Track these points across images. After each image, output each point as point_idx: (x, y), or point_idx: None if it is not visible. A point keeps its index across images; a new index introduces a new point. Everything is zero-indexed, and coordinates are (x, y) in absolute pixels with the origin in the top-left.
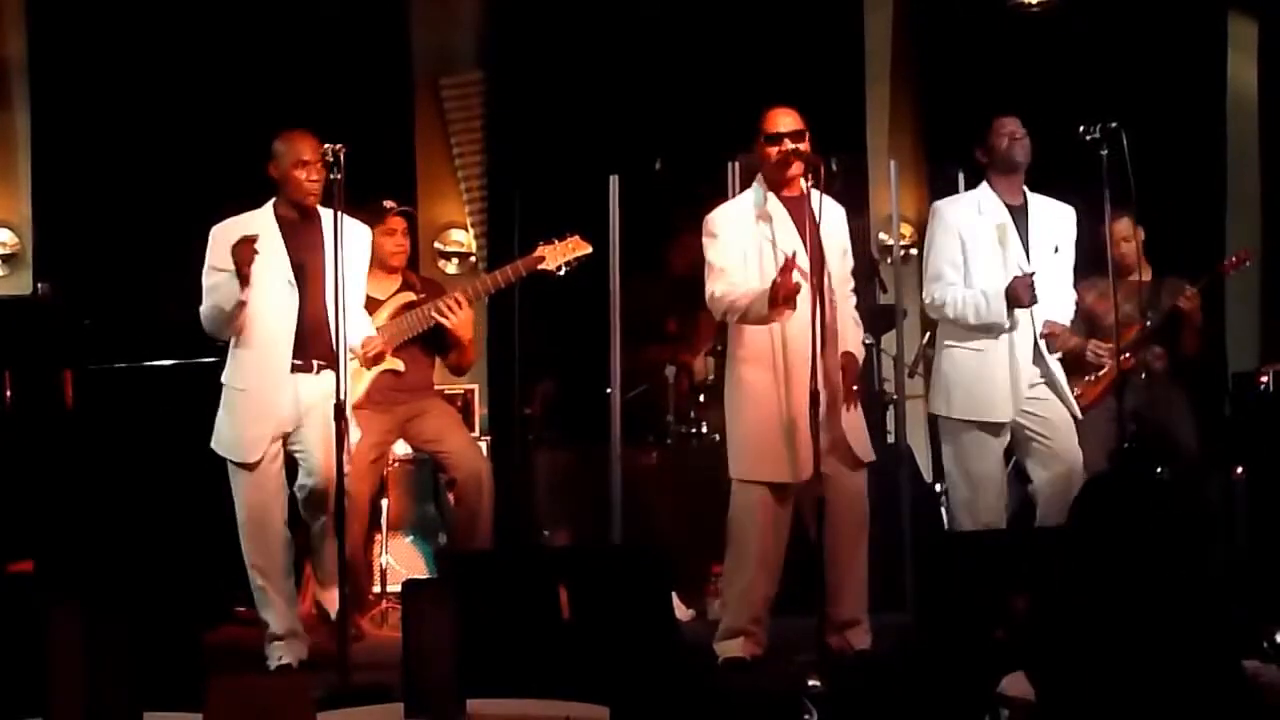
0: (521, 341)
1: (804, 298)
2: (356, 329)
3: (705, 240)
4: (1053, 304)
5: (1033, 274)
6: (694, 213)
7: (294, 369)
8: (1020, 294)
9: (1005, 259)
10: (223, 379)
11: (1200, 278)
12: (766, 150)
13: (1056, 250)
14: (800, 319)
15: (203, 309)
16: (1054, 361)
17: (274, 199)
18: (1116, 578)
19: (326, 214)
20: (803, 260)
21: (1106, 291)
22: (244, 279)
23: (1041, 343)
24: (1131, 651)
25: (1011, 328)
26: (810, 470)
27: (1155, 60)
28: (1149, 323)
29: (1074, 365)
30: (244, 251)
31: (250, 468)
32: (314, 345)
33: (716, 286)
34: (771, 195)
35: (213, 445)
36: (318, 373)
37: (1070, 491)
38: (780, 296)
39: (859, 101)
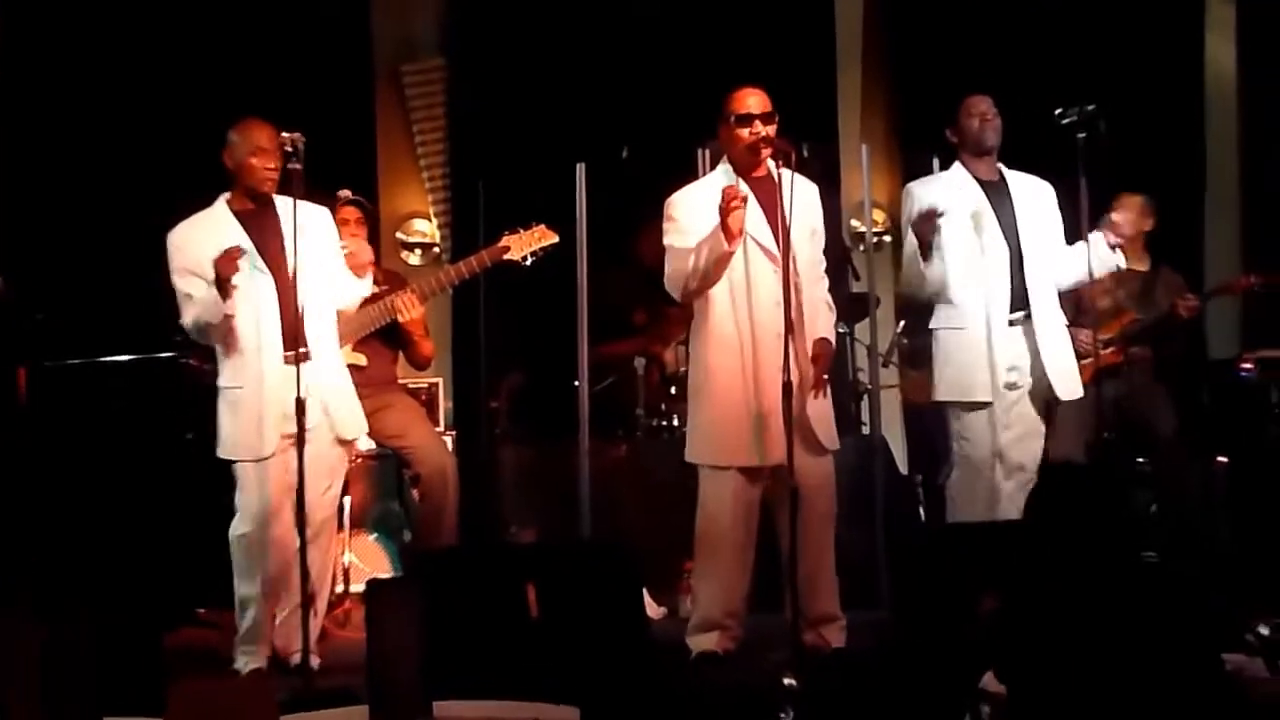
0: (487, 334)
1: (771, 280)
2: (343, 302)
3: (665, 225)
4: (1055, 270)
5: (1025, 290)
6: (662, 201)
7: (287, 360)
8: (922, 229)
9: (982, 238)
10: (218, 383)
11: (1210, 290)
12: (735, 132)
13: (1038, 223)
14: (767, 302)
15: (186, 321)
16: (1059, 342)
17: (225, 194)
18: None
19: (283, 203)
20: (768, 240)
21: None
22: (225, 292)
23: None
24: (1100, 646)
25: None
26: (780, 455)
27: (1132, 42)
28: (1140, 317)
29: None
30: (227, 266)
31: (264, 463)
32: (299, 333)
33: (670, 267)
34: (737, 177)
35: (219, 453)
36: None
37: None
38: (727, 218)
39: (830, 86)
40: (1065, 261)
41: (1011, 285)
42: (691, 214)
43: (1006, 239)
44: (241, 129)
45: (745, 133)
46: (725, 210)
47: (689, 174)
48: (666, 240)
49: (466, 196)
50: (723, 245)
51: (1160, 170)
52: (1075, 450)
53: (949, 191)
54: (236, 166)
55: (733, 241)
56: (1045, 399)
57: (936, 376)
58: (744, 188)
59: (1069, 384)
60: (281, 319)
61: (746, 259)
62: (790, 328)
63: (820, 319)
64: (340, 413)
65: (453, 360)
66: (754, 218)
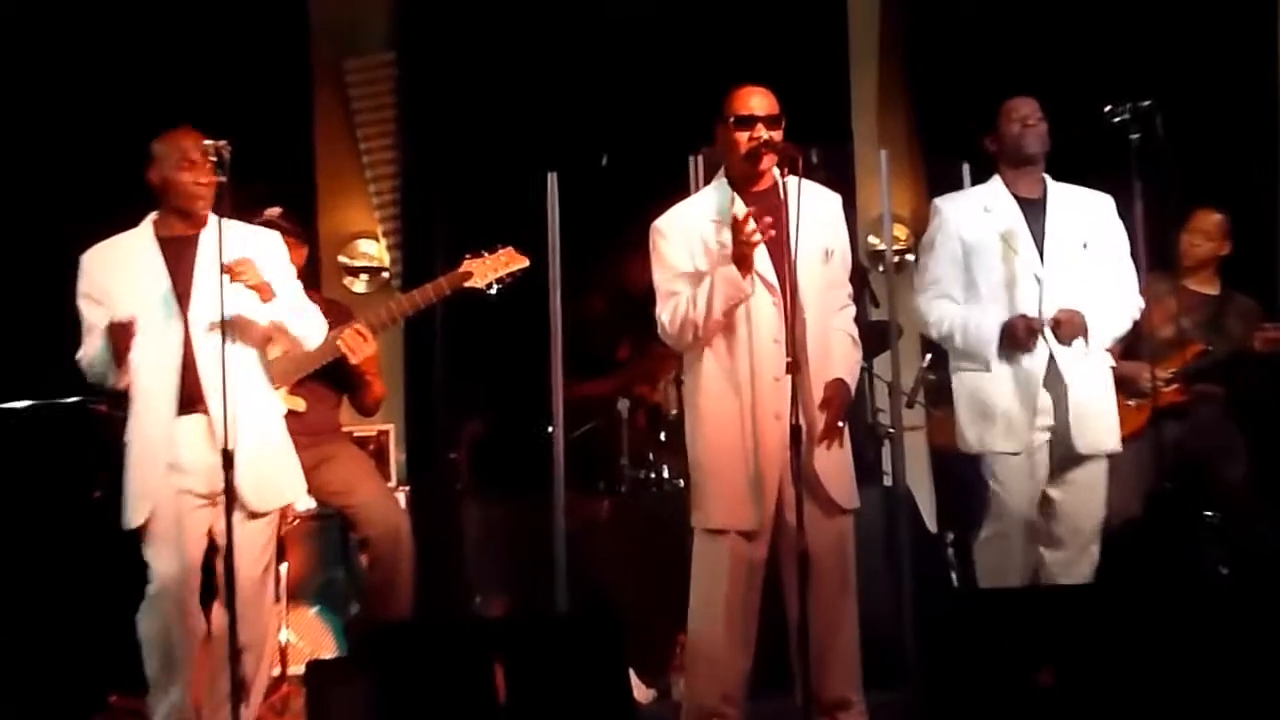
0: (445, 373)
1: (770, 311)
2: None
3: (652, 255)
4: (1086, 309)
5: (1041, 322)
6: (649, 217)
7: (182, 411)
8: (1019, 336)
9: (1017, 268)
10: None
11: None
12: (734, 136)
13: (1086, 246)
14: (766, 337)
15: (81, 355)
16: (1089, 386)
17: (153, 214)
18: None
19: (228, 225)
20: (765, 266)
21: (1159, 298)
22: (120, 360)
23: (1054, 345)
24: None
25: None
26: (784, 514)
27: (1194, 28)
28: (1209, 348)
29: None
30: (122, 338)
31: (176, 529)
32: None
33: (666, 312)
34: (733, 192)
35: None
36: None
37: (1085, 552)
38: (742, 251)
39: (842, 82)
40: (1119, 289)
41: (1042, 318)
42: (682, 242)
43: (1036, 274)
44: (168, 140)
45: (745, 137)
46: (742, 246)
47: (680, 186)
48: (655, 275)
49: (421, 213)
50: (742, 291)
51: (1228, 180)
52: (1130, 504)
53: (980, 210)
54: (163, 183)
55: (750, 284)
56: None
57: (960, 424)
58: (739, 207)
59: (1095, 435)
60: (184, 370)
61: (753, 288)
62: (796, 366)
63: (837, 356)
64: (250, 480)
65: (406, 404)
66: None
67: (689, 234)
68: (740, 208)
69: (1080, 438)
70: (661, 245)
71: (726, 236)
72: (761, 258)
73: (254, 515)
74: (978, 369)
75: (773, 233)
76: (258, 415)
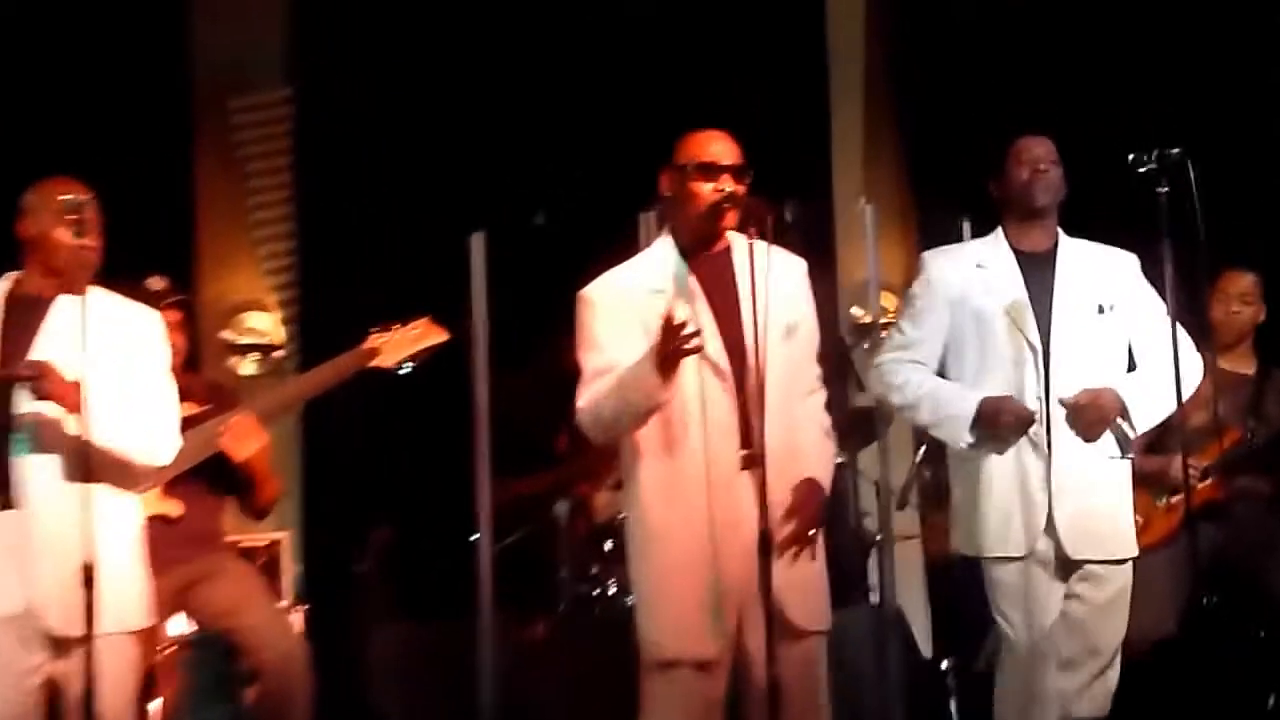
0: (349, 469)
1: (723, 400)
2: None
3: (578, 330)
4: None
5: (1035, 409)
6: (586, 284)
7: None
8: (993, 417)
9: (1014, 335)
10: None
11: None
12: (692, 187)
13: (1103, 310)
14: (720, 431)
15: None
16: (1102, 480)
17: (15, 273)
18: None
19: (99, 296)
20: (716, 350)
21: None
22: None
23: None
24: None
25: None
26: (749, 639)
27: (1231, 63)
28: (1249, 436)
29: (1143, 480)
30: None
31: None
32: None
33: (584, 400)
34: (680, 259)
35: None
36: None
37: (1101, 678)
38: (668, 349)
39: (820, 123)
40: (1153, 362)
41: (1044, 399)
42: (613, 315)
43: (1039, 334)
44: (41, 190)
45: (708, 189)
46: (666, 349)
47: (628, 248)
48: (579, 354)
49: (321, 279)
50: (659, 397)
51: (1267, 240)
52: (1163, 622)
53: (972, 266)
54: (36, 240)
55: (670, 388)
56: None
57: (953, 520)
58: (690, 282)
59: (1108, 540)
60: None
61: (700, 373)
62: (753, 461)
63: (806, 451)
64: (55, 599)
65: (303, 507)
66: (701, 315)
67: (623, 306)
68: (689, 276)
69: (1091, 543)
70: (588, 318)
71: (664, 304)
72: (711, 336)
73: (58, 643)
74: (970, 453)
75: (696, 341)
76: (75, 518)
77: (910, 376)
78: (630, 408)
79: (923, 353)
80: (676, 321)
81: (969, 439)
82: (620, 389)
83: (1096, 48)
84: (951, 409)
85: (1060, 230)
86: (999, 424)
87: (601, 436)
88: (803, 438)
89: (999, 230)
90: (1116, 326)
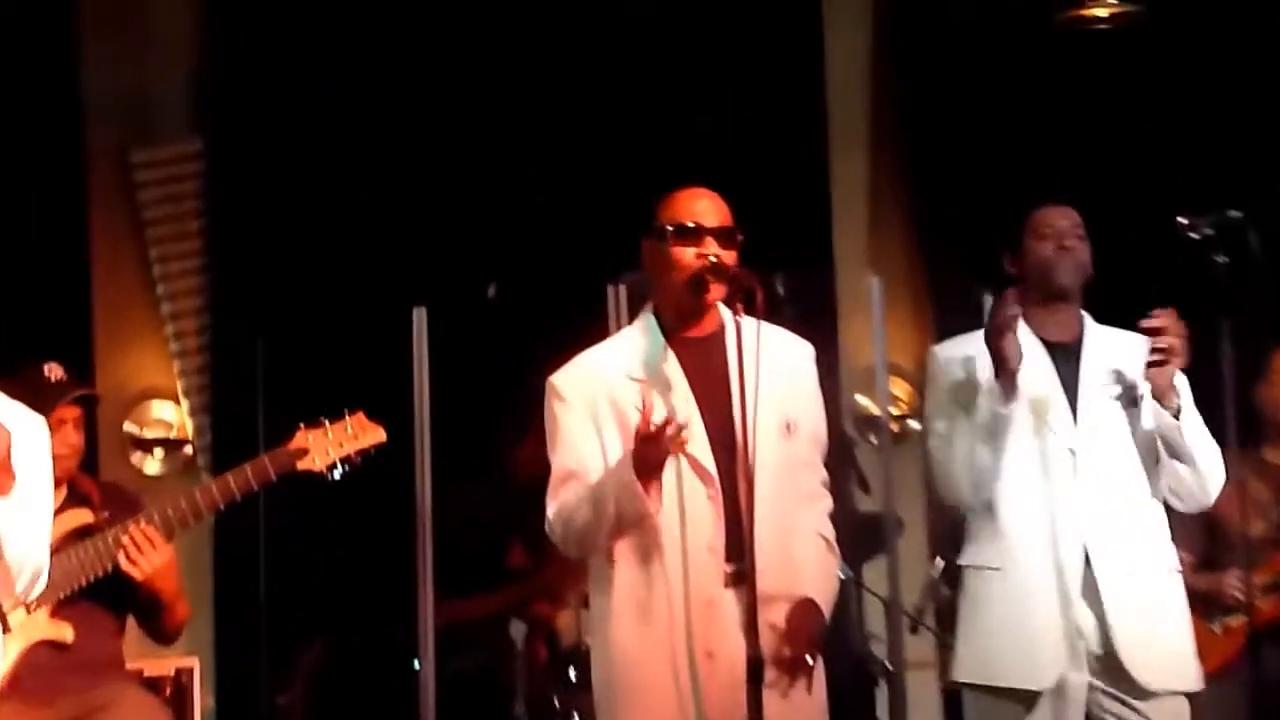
0: (271, 586)
1: (706, 509)
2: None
3: (546, 424)
4: (1136, 492)
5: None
6: (553, 369)
7: None
8: (999, 326)
9: (1044, 437)
10: None
11: None
12: (672, 254)
13: (1137, 405)
14: (701, 545)
15: None
16: (1149, 601)
17: None
18: None
19: None
20: (703, 449)
21: (1243, 481)
22: None
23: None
24: None
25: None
26: None
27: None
28: None
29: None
30: None
31: None
32: None
33: (553, 507)
34: (662, 339)
35: None
36: None
37: None
38: (646, 452)
39: (820, 184)
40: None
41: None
42: (586, 406)
43: (1066, 440)
44: None
45: (689, 255)
46: (644, 451)
47: (596, 326)
48: (551, 453)
49: (237, 363)
50: (644, 506)
51: None
52: None
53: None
54: None
55: (656, 499)
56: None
57: (960, 643)
58: (673, 369)
59: (1161, 671)
60: None
61: (680, 474)
62: (741, 577)
63: (804, 567)
64: None
65: (216, 629)
66: (684, 408)
67: (596, 395)
68: (671, 361)
69: (1141, 673)
70: (558, 410)
71: (646, 393)
72: (694, 432)
73: None
74: (989, 567)
75: (686, 443)
76: None
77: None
78: (605, 521)
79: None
80: (654, 416)
81: (1005, 394)
82: (594, 499)
83: (1132, 103)
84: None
85: (1086, 315)
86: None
87: (575, 551)
88: (801, 551)
89: None
90: (1149, 423)
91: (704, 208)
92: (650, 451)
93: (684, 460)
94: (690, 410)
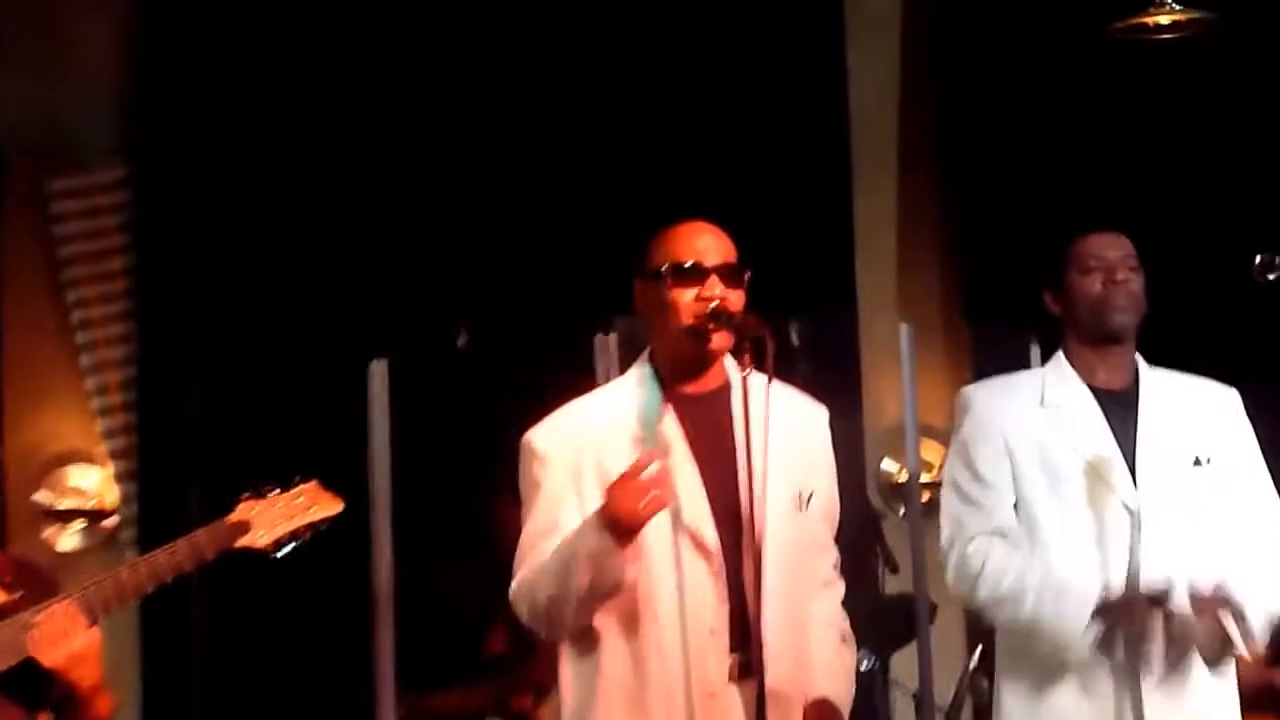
0: (206, 680)
1: (706, 587)
2: None
3: (522, 486)
4: (1203, 564)
5: (1164, 591)
6: (531, 426)
7: None
8: (1127, 617)
9: (1100, 498)
10: None
11: None
12: (670, 296)
13: (1200, 463)
14: (701, 628)
15: None
16: (1207, 703)
17: None
18: None
19: None
20: (701, 517)
21: None
22: None
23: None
24: None
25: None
26: None
27: None
28: None
29: (1256, 704)
30: None
31: None
32: None
33: (517, 578)
34: (658, 395)
35: None
36: None
37: None
38: (622, 498)
39: (841, 216)
40: (1257, 547)
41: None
42: (568, 468)
43: (1128, 505)
44: None
45: (688, 296)
46: (621, 497)
47: (581, 379)
48: (524, 517)
49: (168, 423)
50: (617, 573)
51: None
52: None
53: (1034, 406)
54: None
55: (630, 563)
56: None
57: None
58: (670, 429)
59: None
60: None
61: (678, 549)
62: (748, 670)
63: (820, 661)
64: None
65: None
66: (685, 476)
67: (582, 455)
68: (669, 420)
69: None
70: (535, 471)
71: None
72: (694, 501)
73: None
74: (1031, 674)
75: (663, 497)
76: None
77: (999, 559)
78: (574, 591)
79: (1000, 518)
80: (642, 468)
81: (1085, 646)
82: (560, 564)
83: (1196, 121)
84: (1069, 604)
85: (1140, 358)
86: (1131, 624)
87: (544, 630)
88: (814, 644)
89: (1060, 357)
90: (1215, 484)
91: (706, 244)
92: (625, 497)
93: (680, 533)
94: (689, 474)
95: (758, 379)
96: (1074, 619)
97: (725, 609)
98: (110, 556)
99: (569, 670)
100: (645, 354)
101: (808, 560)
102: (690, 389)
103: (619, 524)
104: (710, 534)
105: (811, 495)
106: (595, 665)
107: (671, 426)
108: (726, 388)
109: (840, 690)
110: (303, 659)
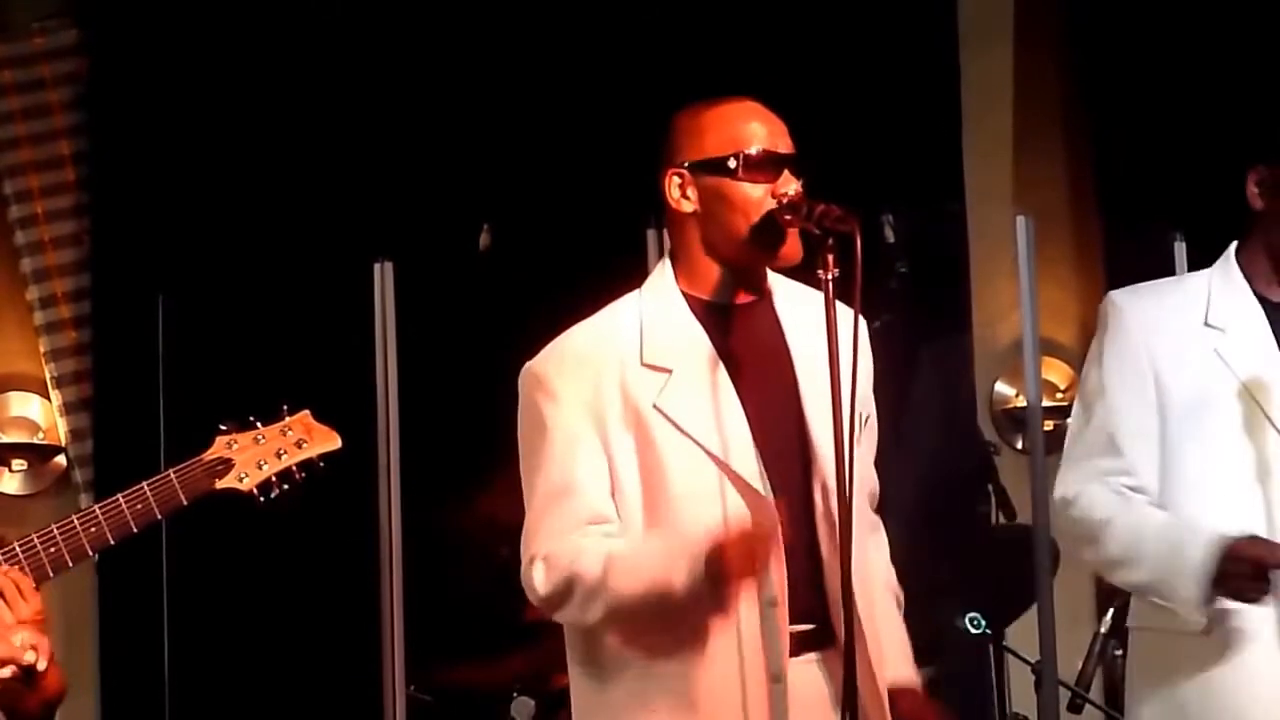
0: (175, 651)
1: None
2: None
3: (522, 423)
4: None
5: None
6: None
7: None
8: (1248, 563)
9: (1260, 433)
10: None
11: None
12: (738, 194)
13: None
14: (763, 594)
15: None
16: None
17: None
18: None
19: None
20: (747, 463)
21: None
22: None
23: None
24: None
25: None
26: None
27: None
28: None
29: None
30: None
31: None
32: None
33: (539, 569)
34: (688, 311)
35: None
36: None
37: None
38: (734, 564)
39: (946, 83)
40: None
41: None
42: (583, 397)
43: None
44: None
45: (756, 193)
46: (742, 569)
47: (628, 279)
48: (528, 469)
49: (129, 340)
50: (689, 600)
51: None
52: None
53: (1196, 321)
54: None
55: (732, 605)
56: None
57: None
58: (704, 349)
59: None
60: None
61: (724, 501)
62: (816, 644)
63: (887, 635)
64: None
65: (102, 710)
66: (728, 409)
67: (601, 384)
68: (703, 339)
69: None
70: (544, 405)
71: (673, 400)
72: (740, 444)
73: None
74: (1184, 630)
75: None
76: None
77: (1103, 507)
78: (655, 608)
79: (1136, 463)
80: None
81: (1199, 605)
82: (647, 575)
83: None
84: (1178, 563)
85: None
86: (1241, 585)
87: (559, 618)
88: (879, 612)
89: (1230, 261)
90: None
91: (775, 129)
92: (744, 562)
93: (725, 483)
94: (733, 411)
95: (787, 286)
96: (1177, 584)
97: (783, 571)
98: (61, 503)
99: (593, 649)
100: (663, 263)
101: (862, 501)
102: (729, 302)
103: (726, 582)
104: (758, 479)
105: (867, 418)
106: (640, 647)
107: (706, 347)
108: (769, 298)
109: (915, 674)
110: (293, 626)
